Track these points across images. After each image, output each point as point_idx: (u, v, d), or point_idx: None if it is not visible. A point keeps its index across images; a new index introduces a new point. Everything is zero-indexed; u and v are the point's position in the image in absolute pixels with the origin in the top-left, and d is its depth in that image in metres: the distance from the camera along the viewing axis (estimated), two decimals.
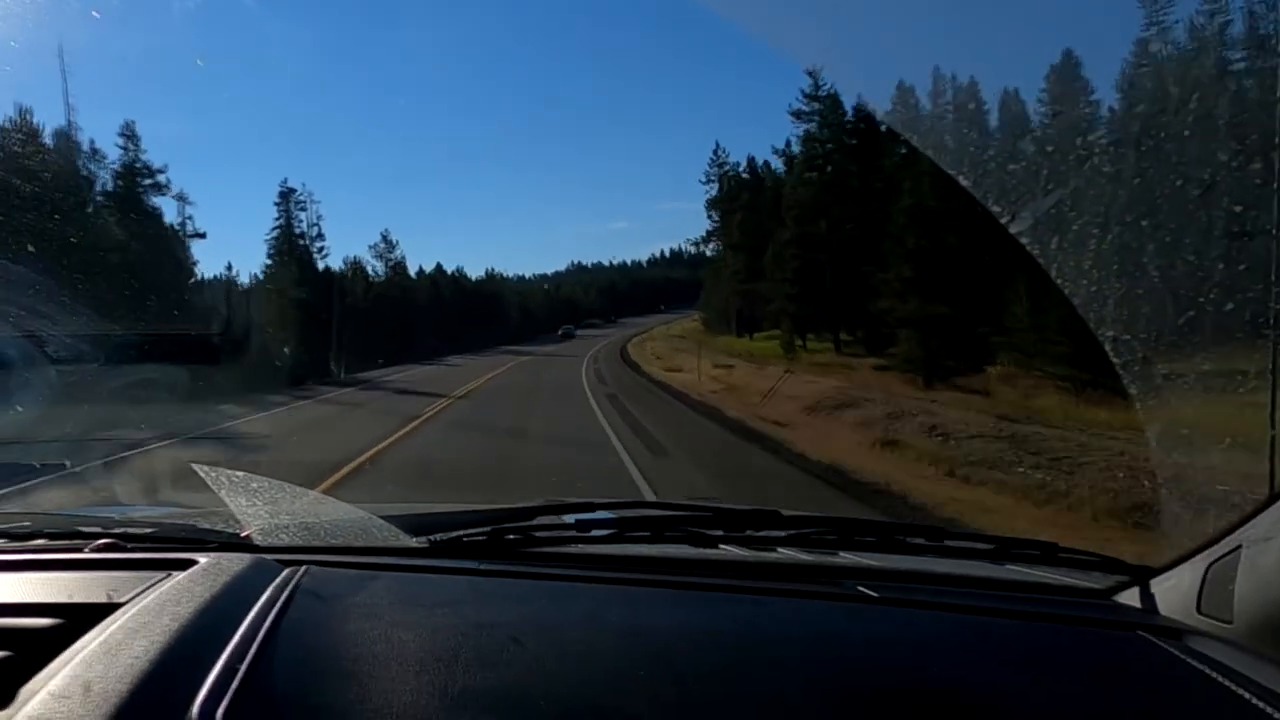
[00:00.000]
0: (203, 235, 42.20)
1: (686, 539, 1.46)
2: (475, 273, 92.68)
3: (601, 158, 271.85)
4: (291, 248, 52.08)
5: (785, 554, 1.49)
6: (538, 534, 1.47)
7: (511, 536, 1.44)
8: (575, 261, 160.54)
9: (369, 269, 62.06)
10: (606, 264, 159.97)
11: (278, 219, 53.87)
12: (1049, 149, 2.87)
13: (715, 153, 67.21)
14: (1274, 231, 1.26)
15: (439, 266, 79.27)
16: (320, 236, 54.74)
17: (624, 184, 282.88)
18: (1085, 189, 3.29)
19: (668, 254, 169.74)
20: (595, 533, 1.48)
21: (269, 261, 52.35)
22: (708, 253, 69.50)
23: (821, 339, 42.09)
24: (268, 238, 53.57)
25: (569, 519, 1.52)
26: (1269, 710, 0.95)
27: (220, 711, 0.89)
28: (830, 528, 1.53)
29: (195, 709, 0.89)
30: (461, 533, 1.45)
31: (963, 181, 3.37)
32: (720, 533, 1.47)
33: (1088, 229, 2.70)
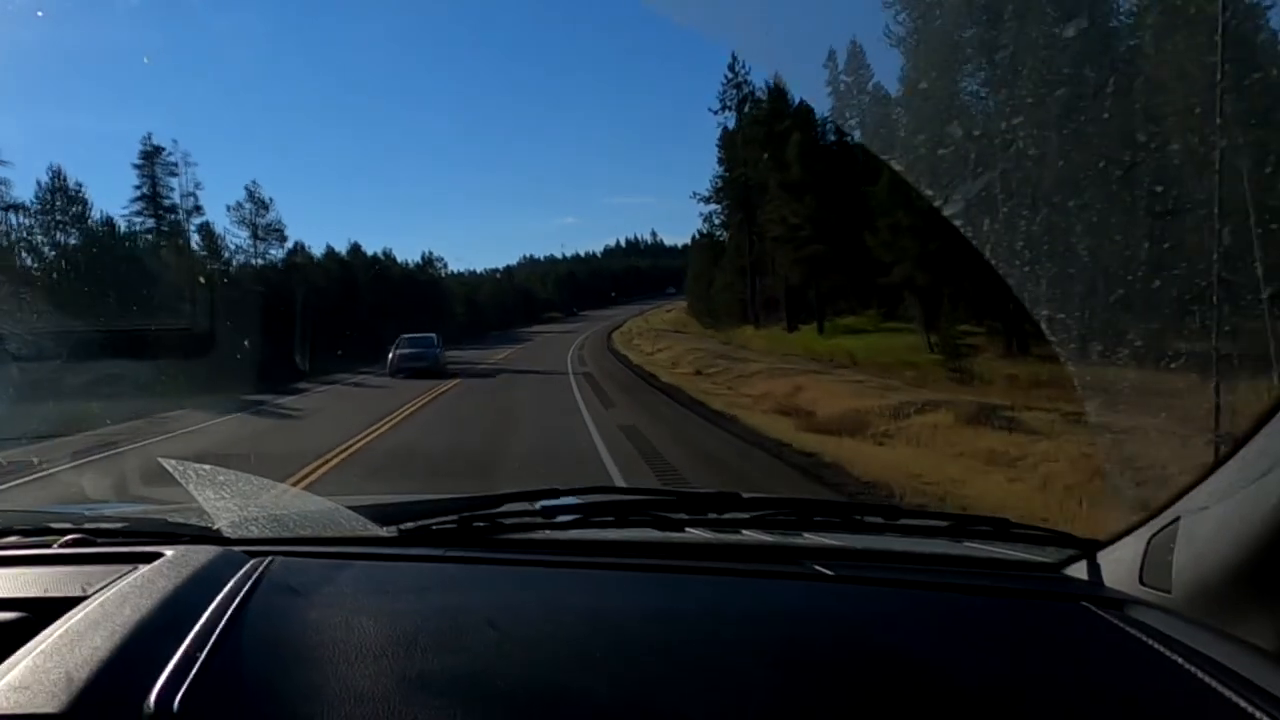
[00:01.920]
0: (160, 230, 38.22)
1: (651, 523, 1.47)
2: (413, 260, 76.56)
3: (546, 152, 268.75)
4: (159, 219, 42.79)
5: (747, 535, 1.51)
6: (505, 521, 1.47)
7: (479, 524, 1.45)
8: (527, 255, 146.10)
9: (231, 240, 47.65)
10: (560, 256, 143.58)
11: (139, 185, 42.41)
12: (975, 133, 2.93)
13: (732, 69, 48.76)
14: (1215, 210, 1.30)
15: (356, 247, 61.34)
16: (198, 209, 43.73)
17: (570, 179, 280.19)
18: (1012, 172, 3.37)
19: (623, 243, 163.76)
20: (561, 518, 1.48)
21: (125, 230, 41.39)
22: (710, 225, 56.69)
23: (948, 328, 24.92)
24: (124, 210, 41.93)
25: (536, 505, 1.52)
26: (1199, 674, 0.98)
27: (178, 699, 0.88)
28: (790, 509, 1.55)
29: (152, 697, 0.88)
30: (430, 521, 1.45)
31: (895, 166, 3.41)
32: (684, 516, 1.49)
33: (1018, 210, 2.76)
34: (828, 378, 20.20)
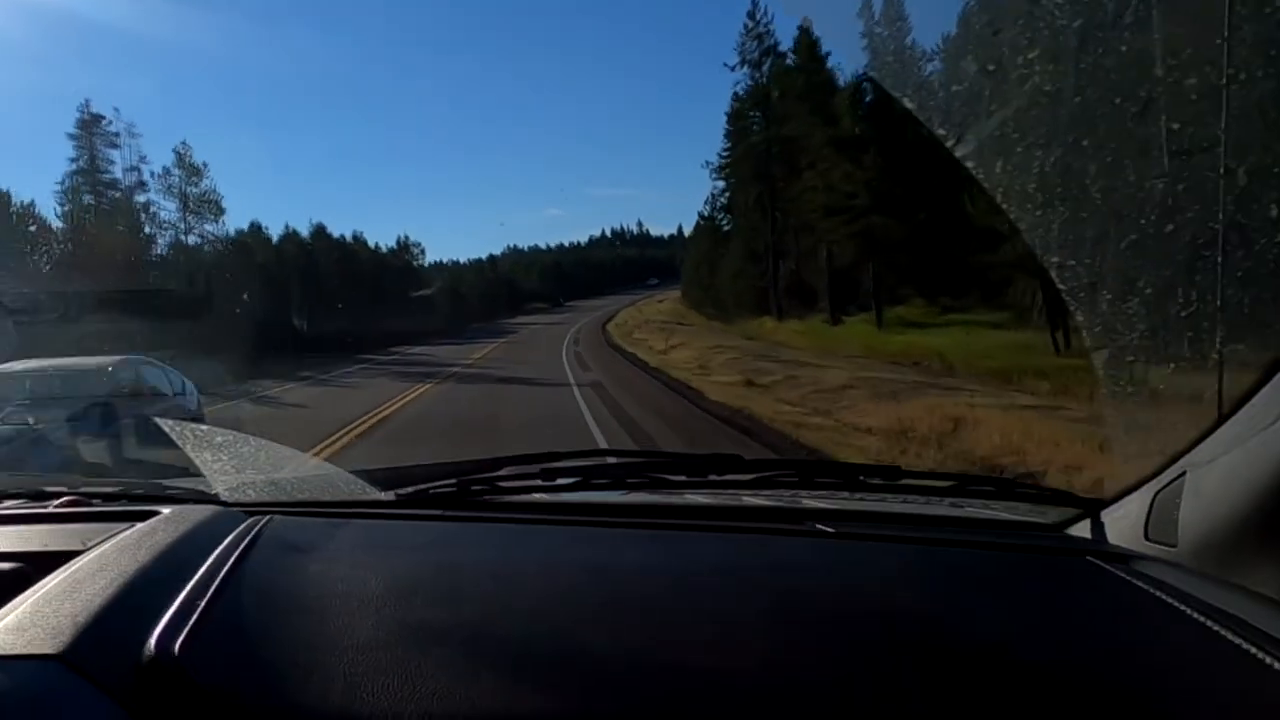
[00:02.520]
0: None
1: (650, 485, 1.48)
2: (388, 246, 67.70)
3: (530, 144, 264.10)
4: (97, 195, 39.12)
5: (747, 498, 1.52)
6: (503, 484, 1.48)
7: (477, 487, 1.46)
8: (511, 245, 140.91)
9: (161, 212, 42.37)
10: (544, 247, 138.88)
11: (75, 159, 39.39)
12: (990, 68, 2.85)
13: (752, 17, 43.55)
14: (1222, 150, 1.27)
15: (320, 228, 54.08)
16: (142, 185, 40.51)
17: (555, 171, 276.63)
18: (1027, 109, 3.28)
19: (609, 234, 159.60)
20: (560, 481, 1.49)
21: (58, 209, 38.17)
22: (713, 207, 50.65)
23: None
24: (57, 185, 38.20)
25: (534, 469, 1.53)
26: (1209, 623, 0.99)
27: (178, 644, 0.91)
28: (791, 470, 1.56)
29: (153, 641, 0.91)
30: (428, 485, 1.47)
31: (907, 103, 3.35)
32: (684, 478, 1.50)
33: (1031, 151, 2.70)
34: (964, 397, 13.85)
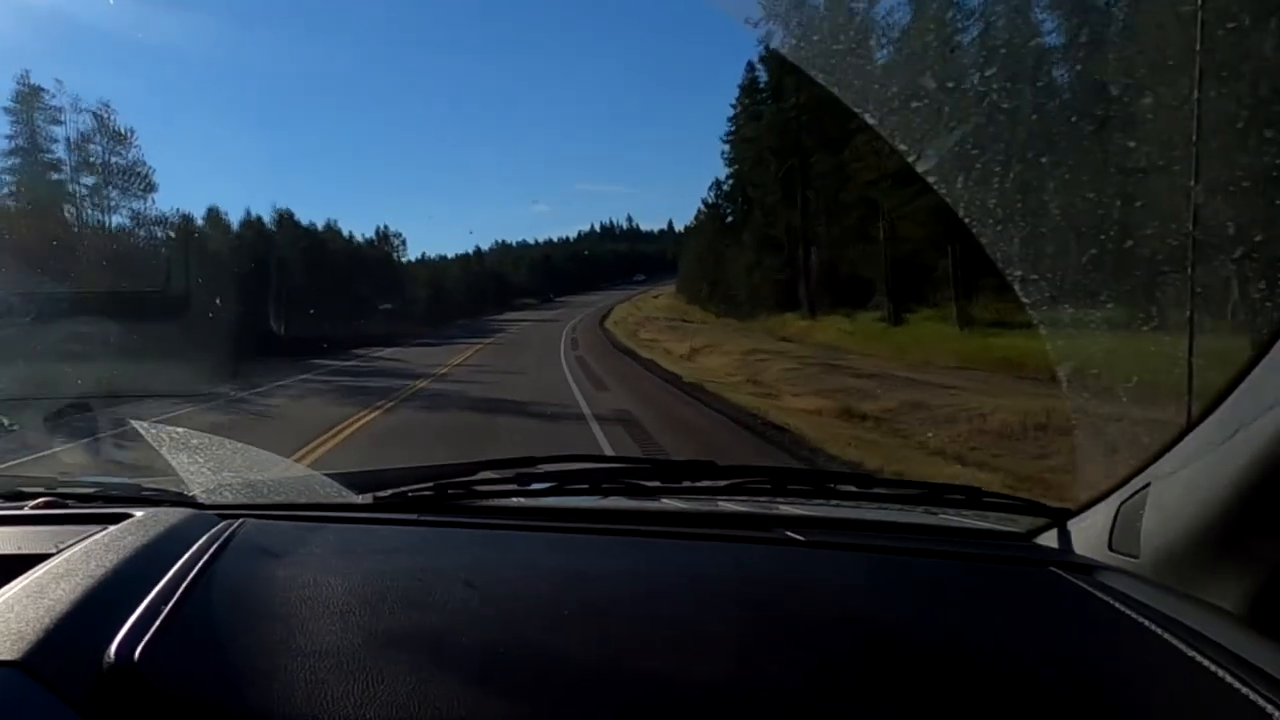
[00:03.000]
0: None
1: (625, 491, 1.47)
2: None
3: (518, 137, 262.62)
4: (36, 176, 32.17)
5: (721, 504, 1.52)
6: (480, 488, 1.48)
7: (454, 491, 1.46)
8: (499, 240, 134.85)
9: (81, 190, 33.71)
10: (533, 242, 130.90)
11: (11, 136, 32.41)
12: (949, 85, 2.89)
13: None
14: (1193, 167, 1.28)
15: (287, 214, 45.27)
16: (87, 165, 32.97)
17: (543, 166, 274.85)
18: (985, 126, 3.33)
19: (599, 228, 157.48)
20: (536, 486, 1.48)
21: None
22: (719, 194, 46.10)
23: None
24: None
25: (511, 474, 1.51)
26: (1164, 635, 1.00)
27: (138, 650, 0.89)
28: (765, 477, 1.55)
29: (113, 648, 0.89)
30: (405, 488, 1.46)
31: (868, 119, 3.38)
32: (658, 484, 1.50)
33: (990, 167, 2.73)
34: None
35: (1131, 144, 2.31)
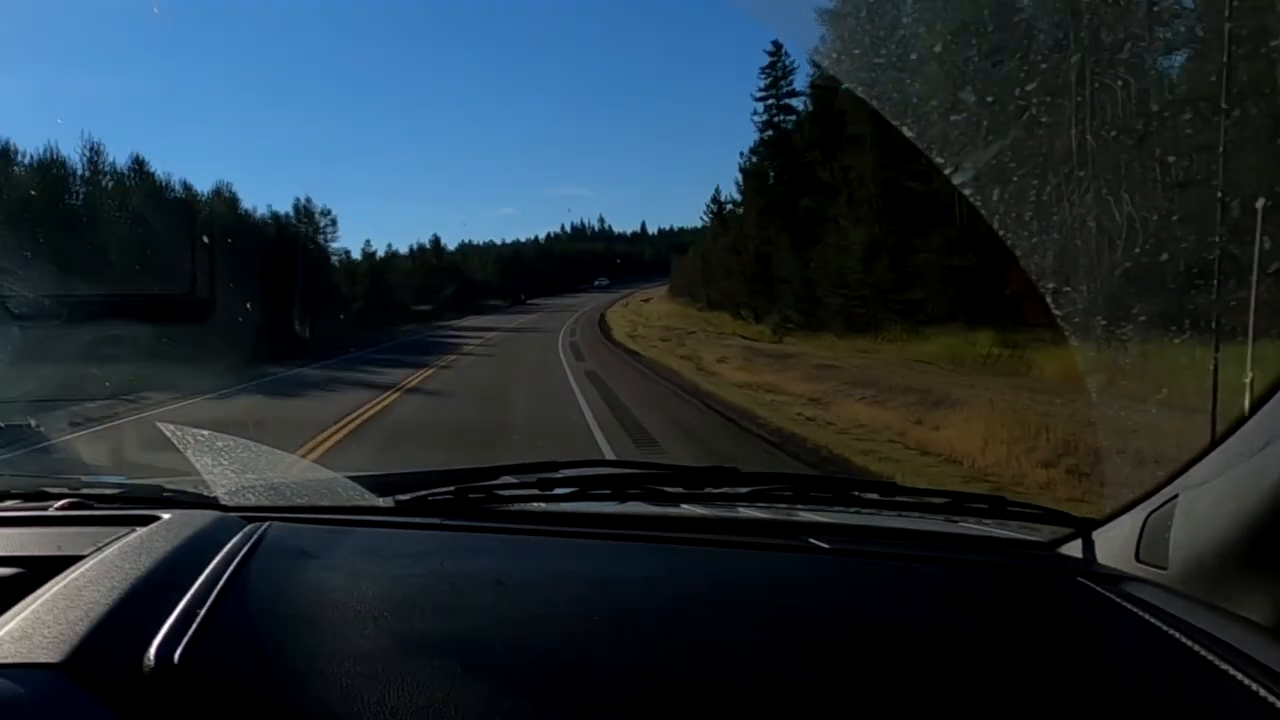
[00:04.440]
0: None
1: (647, 497, 1.47)
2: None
3: (484, 139, 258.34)
4: None
5: (743, 510, 1.51)
6: (501, 492, 1.48)
7: (476, 495, 1.45)
8: (466, 240, 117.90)
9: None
10: (499, 243, 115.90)
11: None
12: (988, 99, 2.89)
13: None
14: (1218, 184, 1.28)
15: (139, 164, 32.08)
16: None
17: (509, 169, 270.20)
18: (1024, 139, 3.32)
19: (569, 229, 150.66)
20: (558, 491, 1.48)
21: None
22: (750, 177, 38.09)
23: None
24: None
25: (532, 478, 1.52)
26: (1195, 648, 0.99)
27: (178, 652, 0.89)
28: (787, 484, 1.55)
29: (153, 650, 0.89)
30: (427, 492, 1.46)
31: (906, 133, 3.38)
32: (679, 490, 1.49)
33: (1027, 180, 2.73)
34: None
35: (1171, 158, 2.30)
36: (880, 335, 25.00)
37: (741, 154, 43.79)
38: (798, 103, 38.38)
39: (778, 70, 37.87)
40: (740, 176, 42.46)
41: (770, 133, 38.91)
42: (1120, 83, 3.33)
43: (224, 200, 38.88)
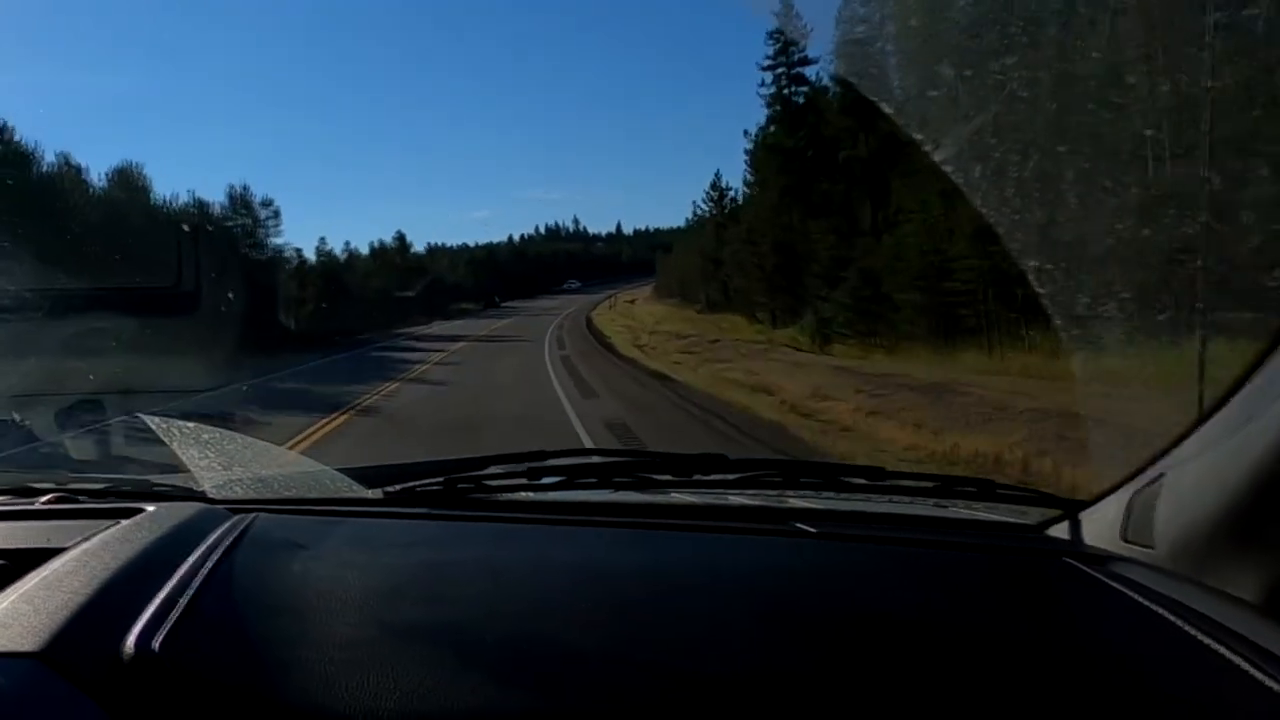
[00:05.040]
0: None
1: (635, 484, 1.47)
2: None
3: (459, 140, 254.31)
4: None
5: (731, 497, 1.52)
6: (490, 482, 1.48)
7: (464, 485, 1.46)
8: (436, 242, 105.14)
9: None
10: (473, 245, 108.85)
11: None
12: (967, 73, 2.88)
13: None
14: (1206, 158, 1.28)
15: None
16: None
17: (485, 172, 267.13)
18: (1004, 114, 3.31)
19: (543, 230, 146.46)
20: (546, 480, 1.49)
21: None
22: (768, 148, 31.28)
23: None
24: None
25: (521, 468, 1.52)
26: (1183, 625, 1.00)
27: (157, 641, 0.90)
28: (775, 470, 1.56)
29: (131, 638, 0.90)
30: (416, 483, 1.46)
31: (885, 109, 3.36)
32: (668, 477, 1.50)
33: (1008, 155, 2.72)
34: None
35: (1150, 132, 2.30)
36: (999, 345, 18.10)
37: (747, 132, 38.99)
38: (810, 72, 34.15)
39: (786, 35, 32.88)
40: (749, 158, 37.76)
41: (778, 108, 35.08)
42: (1098, 54, 3.33)
43: (128, 185, 33.24)
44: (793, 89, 35.41)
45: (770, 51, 35.35)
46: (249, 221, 39.01)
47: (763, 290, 32.47)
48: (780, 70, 35.28)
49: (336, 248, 54.92)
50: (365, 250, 60.75)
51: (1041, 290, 1.74)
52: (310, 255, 46.46)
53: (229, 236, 36.58)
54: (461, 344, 28.91)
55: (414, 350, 26.67)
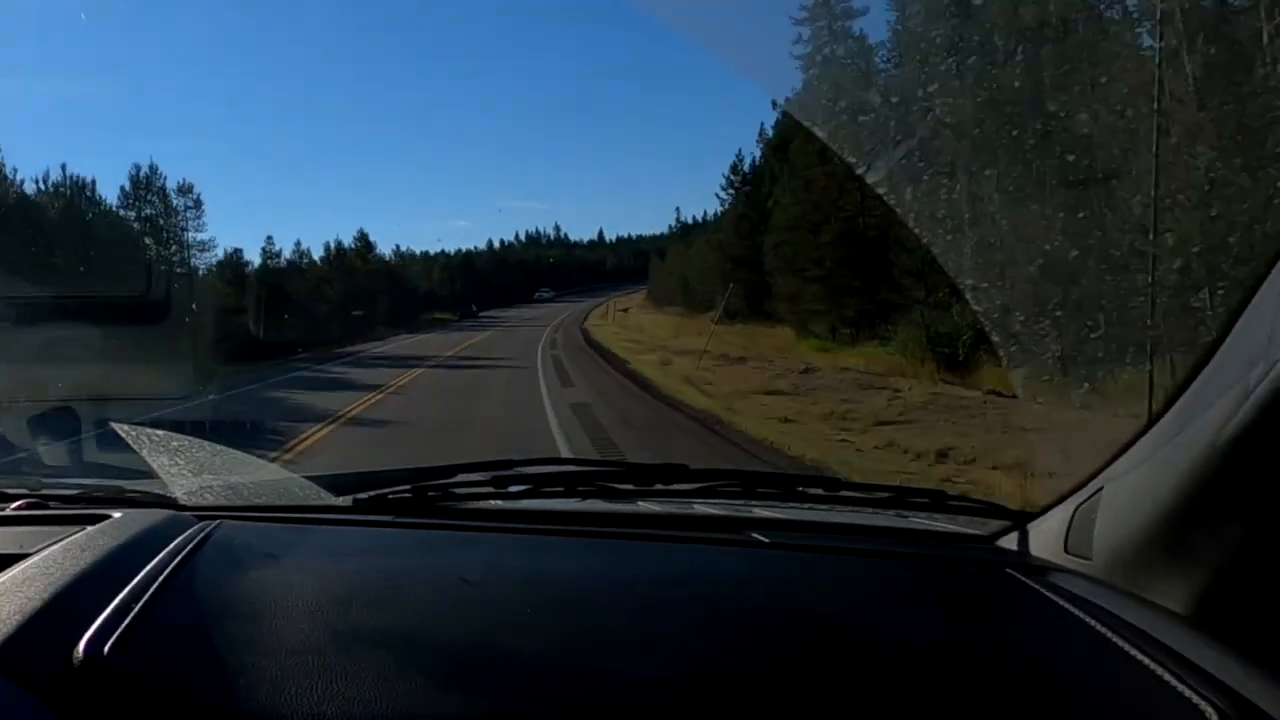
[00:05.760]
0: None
1: (599, 494, 1.49)
2: None
3: (437, 149, 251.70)
4: None
5: (696, 506, 1.54)
6: (458, 490, 1.48)
7: (432, 494, 1.46)
8: (408, 248, 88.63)
9: None
10: (451, 252, 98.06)
11: None
12: (894, 100, 2.98)
13: None
14: (1153, 177, 1.33)
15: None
16: None
17: (464, 182, 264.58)
18: (930, 139, 3.43)
19: (524, 237, 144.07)
20: (513, 489, 1.50)
21: None
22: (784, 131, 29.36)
23: None
24: None
25: (488, 476, 1.53)
26: (1111, 636, 1.03)
27: (107, 647, 0.90)
28: (736, 481, 1.58)
29: (82, 645, 0.90)
30: (384, 491, 1.47)
31: (818, 133, 3.44)
32: (631, 487, 1.51)
33: (938, 179, 2.81)
34: None
35: (1070, 157, 2.39)
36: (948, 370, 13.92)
37: (774, 103, 32.93)
38: (856, 26, 25.13)
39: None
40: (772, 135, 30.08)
41: (813, 71, 26.04)
42: (1017, 83, 3.48)
43: None
44: (833, 47, 26.57)
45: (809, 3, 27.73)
46: (153, 211, 32.75)
47: (821, 295, 25.17)
48: (821, 24, 27.37)
49: (281, 246, 47.64)
50: (321, 253, 51.64)
51: (978, 308, 1.79)
52: (255, 257, 40.06)
53: (119, 228, 30.33)
54: (415, 372, 20.93)
55: (333, 388, 18.19)
